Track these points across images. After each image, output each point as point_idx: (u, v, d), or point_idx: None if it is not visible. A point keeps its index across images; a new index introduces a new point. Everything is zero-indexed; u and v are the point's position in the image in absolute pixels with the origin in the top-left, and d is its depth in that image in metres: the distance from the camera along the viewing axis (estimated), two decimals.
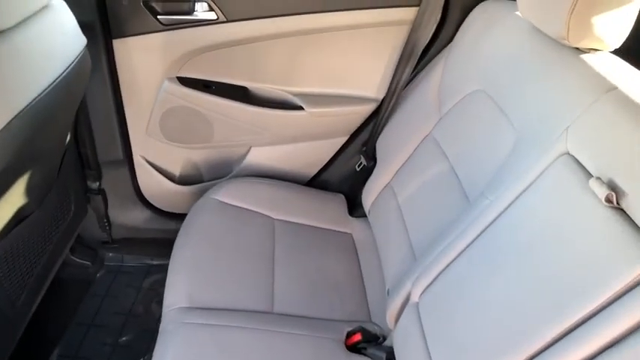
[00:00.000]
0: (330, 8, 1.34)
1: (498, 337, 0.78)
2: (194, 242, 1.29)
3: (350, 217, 1.52)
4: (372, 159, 1.52)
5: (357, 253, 1.41)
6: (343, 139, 1.60)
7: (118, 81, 1.41)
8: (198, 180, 1.67)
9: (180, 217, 1.43)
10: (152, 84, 1.43)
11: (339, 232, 1.46)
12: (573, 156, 0.80)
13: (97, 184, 1.55)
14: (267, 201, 1.44)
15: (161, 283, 1.26)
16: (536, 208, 0.83)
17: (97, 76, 1.33)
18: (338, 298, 1.25)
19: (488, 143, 1.05)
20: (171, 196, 1.65)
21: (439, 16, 1.32)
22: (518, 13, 1.12)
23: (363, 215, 1.47)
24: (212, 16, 1.34)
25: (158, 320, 1.14)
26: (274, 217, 1.42)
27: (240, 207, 1.40)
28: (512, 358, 0.74)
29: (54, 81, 0.98)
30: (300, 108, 1.47)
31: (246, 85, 1.48)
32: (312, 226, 1.44)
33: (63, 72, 1.02)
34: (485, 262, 0.88)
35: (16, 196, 1.04)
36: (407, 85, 1.41)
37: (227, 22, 1.35)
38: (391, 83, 1.42)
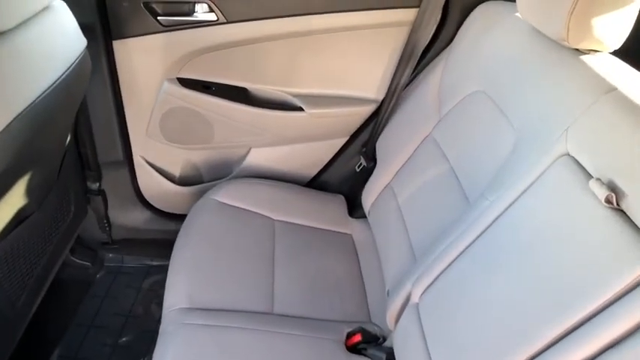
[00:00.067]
0: (330, 10, 1.34)
1: (499, 337, 0.78)
2: (194, 243, 1.29)
3: (350, 218, 1.52)
4: (371, 160, 1.52)
5: (357, 254, 1.41)
6: (343, 140, 1.60)
7: (118, 82, 1.41)
8: (198, 181, 1.67)
9: (180, 218, 1.43)
10: (152, 85, 1.43)
11: (339, 232, 1.46)
12: (573, 157, 0.80)
13: (97, 184, 1.55)
14: (267, 202, 1.44)
15: (161, 284, 1.26)
16: (536, 208, 0.83)
17: (97, 77, 1.33)
18: (338, 299, 1.25)
19: (488, 144, 1.05)
20: (171, 197, 1.65)
21: (439, 17, 1.32)
22: (518, 14, 1.13)
23: (363, 216, 1.47)
24: (212, 17, 1.34)
25: (158, 321, 1.14)
26: (274, 218, 1.42)
27: (240, 208, 1.40)
28: (512, 359, 0.74)
29: (54, 82, 0.98)
30: (300, 109, 1.47)
31: (246, 86, 1.48)
32: (312, 227, 1.44)
33: (63, 73, 1.02)
34: (486, 263, 0.88)
35: (16, 197, 1.04)
36: (407, 85, 1.42)
37: (227, 23, 1.35)
38: (391, 84, 1.43)
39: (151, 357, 1.05)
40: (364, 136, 1.57)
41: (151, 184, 1.62)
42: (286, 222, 1.42)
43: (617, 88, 0.81)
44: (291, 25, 1.36)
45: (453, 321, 0.90)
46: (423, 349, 0.92)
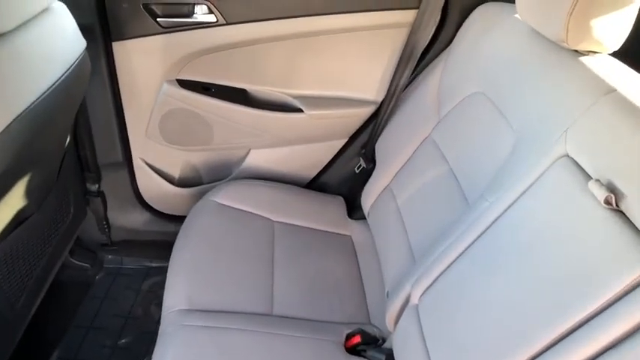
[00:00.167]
0: (329, 11, 1.34)
1: (498, 338, 0.78)
2: (193, 244, 1.29)
3: (349, 220, 1.52)
4: (371, 161, 1.52)
5: (356, 256, 1.41)
6: (342, 142, 1.61)
7: (117, 83, 1.41)
8: (198, 182, 1.67)
9: (179, 220, 1.43)
10: (152, 86, 1.43)
11: (338, 234, 1.46)
12: (572, 158, 0.80)
13: (97, 186, 1.55)
14: (267, 203, 1.44)
15: (160, 286, 1.26)
16: (535, 210, 0.83)
17: (96, 78, 1.33)
18: (337, 301, 1.25)
19: (488, 145, 1.05)
20: (170, 199, 1.65)
21: (438, 18, 1.32)
22: (517, 15, 1.13)
23: (363, 217, 1.47)
24: (212, 18, 1.34)
25: (157, 322, 1.14)
26: (274, 220, 1.42)
27: (240, 209, 1.40)
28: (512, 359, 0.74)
29: (54, 83, 0.98)
30: (300, 110, 1.47)
31: (245, 88, 1.49)
32: (311, 229, 1.44)
33: (63, 74, 1.02)
34: (485, 264, 0.88)
35: (16, 199, 1.04)
36: (406, 87, 1.42)
37: (226, 24, 1.35)
38: (390, 85, 1.43)
39: (150, 358, 1.05)
40: (363, 137, 1.57)
41: (150, 185, 1.62)
42: (286, 223, 1.42)
43: (616, 90, 0.81)
44: (290, 26, 1.36)
45: (452, 322, 0.90)
46: (423, 351, 0.92)
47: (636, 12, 0.88)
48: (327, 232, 1.45)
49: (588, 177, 0.75)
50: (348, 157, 1.62)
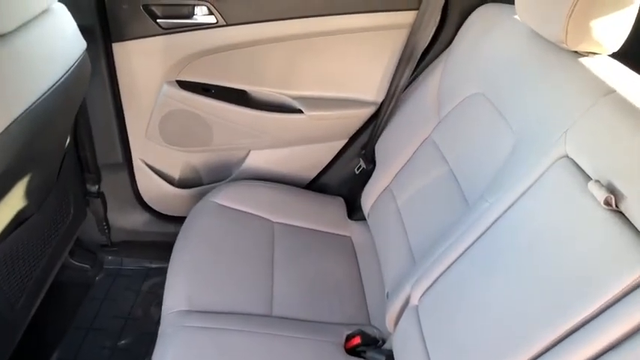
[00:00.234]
0: (329, 12, 1.34)
1: (498, 339, 0.78)
2: (193, 245, 1.29)
3: (349, 220, 1.52)
4: (371, 162, 1.52)
5: (356, 256, 1.41)
6: (342, 142, 1.61)
7: (117, 84, 1.41)
8: (198, 183, 1.67)
9: (179, 220, 1.43)
10: (151, 87, 1.43)
11: (338, 235, 1.46)
12: (572, 159, 0.80)
13: (97, 187, 1.55)
14: (267, 204, 1.44)
15: (160, 286, 1.26)
16: (535, 210, 0.83)
17: (96, 79, 1.33)
18: (337, 301, 1.25)
19: (488, 146, 1.05)
20: (170, 200, 1.65)
21: (438, 19, 1.33)
22: (516, 16, 1.13)
23: (363, 218, 1.47)
24: (211, 19, 1.34)
25: (157, 323, 1.14)
26: (273, 220, 1.42)
27: (240, 210, 1.40)
28: None
29: (54, 84, 0.98)
30: (300, 111, 1.47)
31: (245, 89, 1.49)
32: (311, 229, 1.44)
33: (63, 75, 1.02)
34: (485, 265, 0.88)
35: (16, 199, 1.04)
36: (406, 88, 1.42)
37: (226, 25, 1.35)
38: (390, 86, 1.43)
39: (150, 359, 1.05)
40: (363, 138, 1.57)
41: (150, 186, 1.62)
42: (286, 224, 1.42)
43: (615, 91, 0.81)
44: (290, 27, 1.36)
45: (452, 323, 0.90)
46: (423, 352, 0.92)
47: (636, 13, 0.88)
48: (327, 232, 1.45)
49: (588, 178, 0.75)
50: (348, 158, 1.62)
